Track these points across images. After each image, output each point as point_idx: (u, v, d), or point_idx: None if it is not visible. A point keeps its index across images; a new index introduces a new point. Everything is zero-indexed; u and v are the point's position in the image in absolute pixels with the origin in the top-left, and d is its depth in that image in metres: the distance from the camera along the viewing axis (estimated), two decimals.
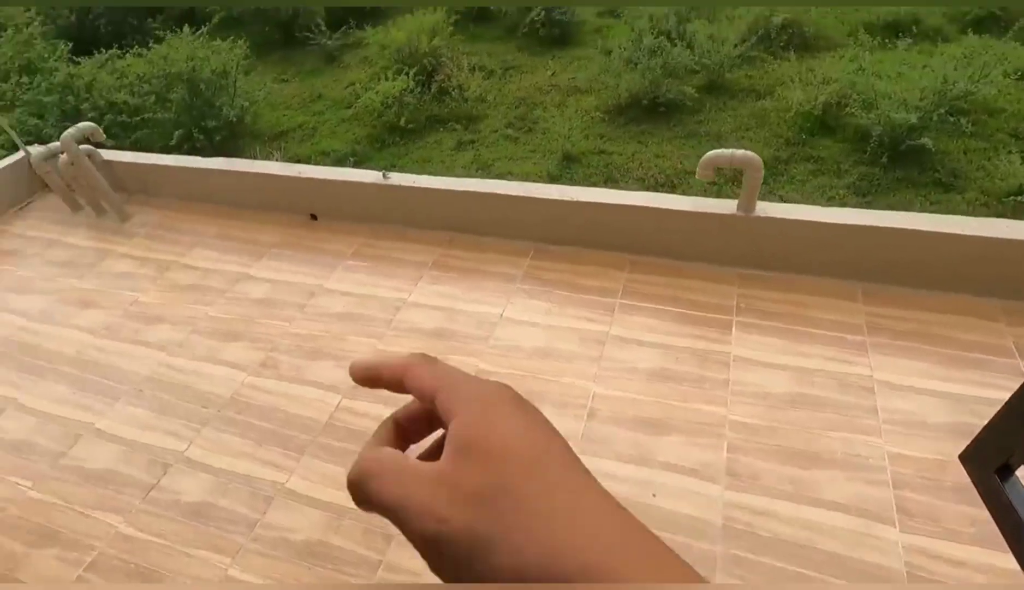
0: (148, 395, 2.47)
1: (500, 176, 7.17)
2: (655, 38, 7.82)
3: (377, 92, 8.06)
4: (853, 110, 6.39)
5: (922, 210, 5.61)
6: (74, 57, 8.46)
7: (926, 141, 5.75)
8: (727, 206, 2.42)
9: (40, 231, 3.45)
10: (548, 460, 0.27)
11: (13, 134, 3.36)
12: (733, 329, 2.27)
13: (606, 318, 2.45)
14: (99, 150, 3.39)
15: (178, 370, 2.55)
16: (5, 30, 9.76)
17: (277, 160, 7.45)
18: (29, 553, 2.01)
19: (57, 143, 3.13)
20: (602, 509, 0.25)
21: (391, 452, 0.31)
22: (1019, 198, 5.16)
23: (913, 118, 5.67)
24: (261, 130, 8.56)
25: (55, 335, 2.80)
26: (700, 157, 2.27)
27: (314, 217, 3.20)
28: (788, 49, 8.27)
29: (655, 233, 2.59)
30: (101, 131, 3.07)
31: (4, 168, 3.49)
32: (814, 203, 5.96)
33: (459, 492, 0.26)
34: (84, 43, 10.01)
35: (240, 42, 8.63)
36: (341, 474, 2.07)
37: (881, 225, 2.26)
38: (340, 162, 7.68)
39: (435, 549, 0.26)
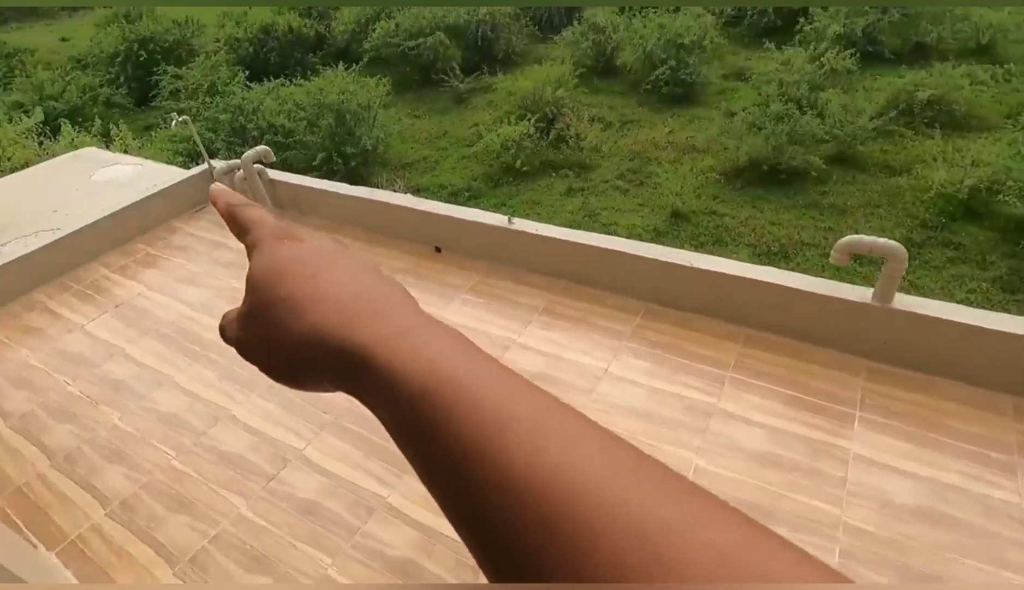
0: (279, 392, 2.74)
1: (607, 225, 7.25)
2: (784, 104, 7.65)
3: (498, 134, 8.52)
4: (1007, 198, 5.83)
5: None
6: (248, 83, 9.77)
7: None
8: (862, 294, 2.31)
9: (209, 233, 4.00)
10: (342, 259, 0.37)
11: (202, 149, 3.95)
12: (855, 424, 2.14)
13: (715, 389, 2.41)
14: (267, 169, 3.89)
15: None
16: (198, 56, 11.52)
17: (401, 188, 8.06)
18: (166, 516, 2.29)
19: (237, 160, 3.64)
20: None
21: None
22: None
23: None
24: (390, 159, 9.32)
25: (211, 326, 3.20)
26: (819, 229, 2.20)
27: (439, 250, 3.45)
28: (933, 126, 7.74)
29: (776, 310, 2.52)
30: (272, 153, 3.53)
31: (191, 176, 4.11)
32: (951, 293, 5.48)
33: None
34: (257, 72, 11.55)
35: (384, 80, 9.54)
36: None
37: None
38: (456, 195, 8.16)
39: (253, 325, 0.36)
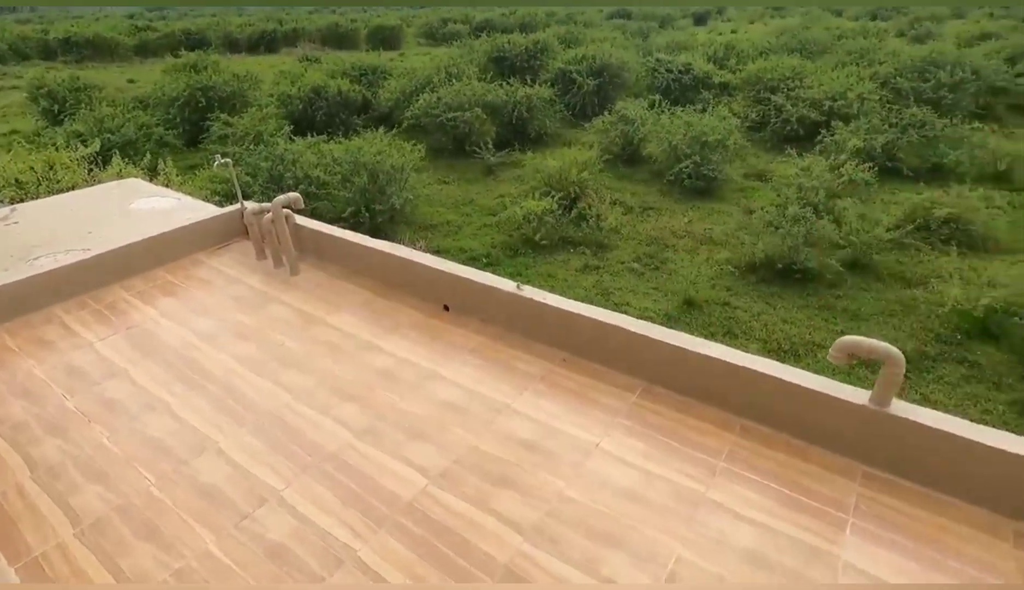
0: (267, 430, 2.74)
1: (619, 305, 7.30)
2: (801, 208, 7.83)
3: (522, 207, 8.81)
4: None
5: None
6: (292, 136, 10.38)
7: None
8: (859, 395, 2.28)
9: (229, 268, 4.14)
10: None
11: (238, 189, 4.17)
12: (847, 531, 2.05)
13: (705, 478, 2.34)
14: (295, 215, 4.07)
15: (297, 414, 2.82)
16: (251, 108, 12.34)
17: (422, 247, 8.28)
18: (134, 544, 2.24)
19: (268, 204, 3.83)
20: None
21: None
22: None
23: None
24: (416, 220, 9.64)
25: (213, 356, 3.25)
26: (831, 331, 2.21)
27: (447, 308, 3.51)
28: (949, 244, 7.82)
29: (774, 403, 2.49)
30: (302, 201, 3.71)
31: (222, 214, 4.32)
32: (965, 411, 5.33)
33: None
34: (303, 127, 12.29)
35: (420, 146, 10.05)
36: (410, 558, 2.11)
37: None
38: (474, 260, 8.35)
39: None
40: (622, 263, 8.39)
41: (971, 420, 2.14)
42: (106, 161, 8.82)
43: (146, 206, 5.06)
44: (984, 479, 2.07)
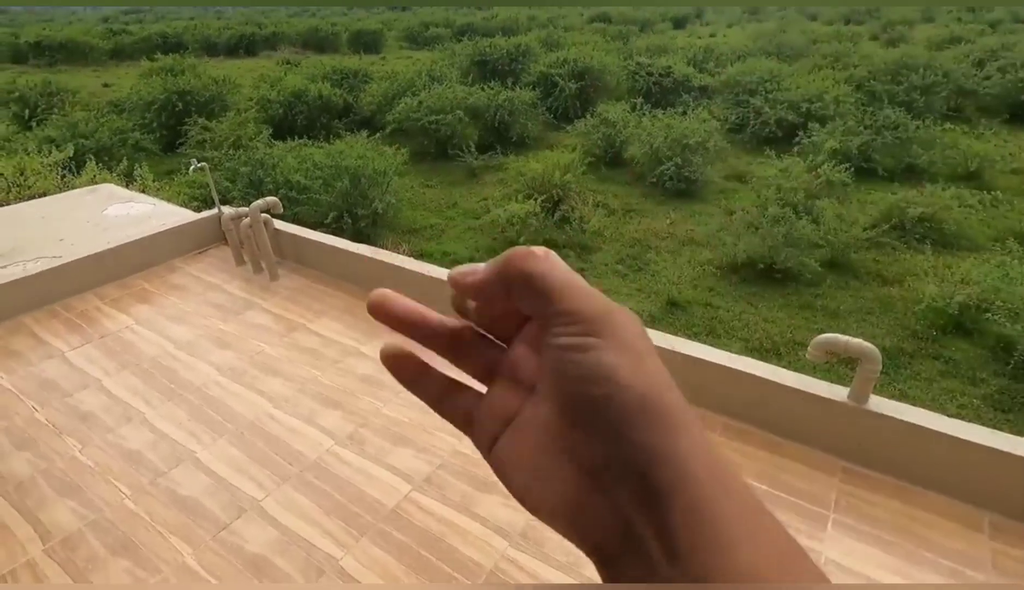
0: (247, 439, 2.69)
1: None
2: (781, 208, 7.93)
3: (505, 209, 8.80)
4: (996, 317, 5.91)
5: None
6: (273, 140, 10.25)
7: None
8: (838, 392, 2.31)
9: (207, 275, 4.07)
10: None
11: (215, 194, 4.11)
12: (828, 526, 2.07)
13: None
14: (273, 219, 4.02)
15: (278, 423, 2.78)
16: (230, 112, 12.18)
17: (405, 251, 8.23)
18: (107, 559, 2.18)
19: (245, 208, 3.77)
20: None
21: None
22: None
23: None
24: (398, 224, 9.58)
25: (190, 365, 3.19)
26: (812, 329, 2.24)
27: None
28: (923, 242, 7.99)
29: (756, 402, 2.51)
30: (280, 205, 3.66)
31: (200, 219, 4.24)
32: (942, 406, 5.44)
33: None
34: (283, 132, 12.15)
35: (402, 150, 10.01)
36: (393, 565, 2.08)
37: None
38: (457, 263, 8.32)
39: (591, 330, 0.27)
40: (606, 265, 8.43)
41: (948, 415, 2.18)
42: (80, 167, 8.63)
43: (121, 212, 4.95)
44: (959, 472, 2.10)
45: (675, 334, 6.50)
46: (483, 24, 33.23)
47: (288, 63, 22.11)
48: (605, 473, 0.26)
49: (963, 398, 5.68)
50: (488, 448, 0.32)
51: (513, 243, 8.70)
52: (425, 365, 0.35)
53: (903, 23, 30.23)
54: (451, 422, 0.34)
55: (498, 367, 0.33)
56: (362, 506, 2.34)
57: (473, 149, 11.64)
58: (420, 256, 8.39)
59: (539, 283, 0.28)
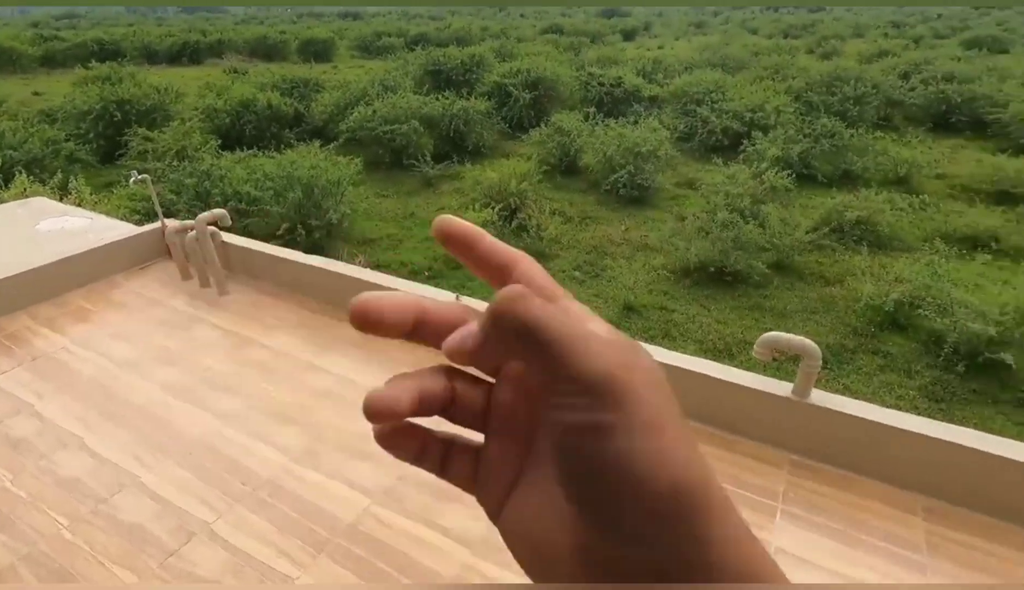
0: (195, 459, 2.59)
1: None
2: (729, 213, 8.23)
3: (463, 218, 8.80)
4: (926, 312, 6.30)
5: (1006, 432, 5.22)
6: (220, 151, 9.93)
7: (1006, 357, 5.52)
8: (783, 388, 2.42)
9: (150, 291, 3.90)
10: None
11: (158, 208, 3.94)
12: (777, 516, 2.16)
13: None
14: (221, 231, 3.89)
15: (229, 441, 2.68)
16: (174, 122, 11.73)
17: (362, 262, 8.10)
18: None
19: (191, 221, 3.64)
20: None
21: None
22: None
23: (992, 330, 5.51)
24: (354, 235, 9.43)
25: (133, 385, 3.04)
26: (761, 329, 2.33)
27: None
28: (860, 244, 8.44)
29: (707, 401, 2.59)
30: (228, 217, 3.55)
31: (142, 233, 4.06)
32: (882, 399, 5.74)
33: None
34: (231, 141, 11.79)
35: (356, 160, 9.87)
36: (353, 582, 2.04)
37: (953, 441, 2.16)
38: (416, 274, 8.26)
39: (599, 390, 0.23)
40: (564, 272, 8.53)
41: (886, 406, 2.31)
42: (8, 180, 8.13)
43: (55, 227, 4.69)
44: (895, 459, 2.23)
45: (632, 338, 6.64)
46: (436, 34, 33.25)
47: (235, 72, 21.52)
48: (622, 570, 0.23)
49: (900, 390, 6.01)
50: (495, 515, 0.29)
51: None
52: (424, 434, 0.30)
53: (836, 37, 32.03)
54: (456, 486, 0.31)
55: (489, 408, 0.30)
56: (319, 523, 2.28)
57: (429, 158, 11.60)
58: (378, 266, 8.28)
59: (537, 337, 0.24)
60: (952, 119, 14.66)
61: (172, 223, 3.90)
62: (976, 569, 1.98)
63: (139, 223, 6.13)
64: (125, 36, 31.33)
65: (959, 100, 14.62)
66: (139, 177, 3.73)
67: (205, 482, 2.46)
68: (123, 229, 4.42)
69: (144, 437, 2.71)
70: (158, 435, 2.72)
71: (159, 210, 4.05)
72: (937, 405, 5.81)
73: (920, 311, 6.44)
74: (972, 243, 8.46)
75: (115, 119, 12.42)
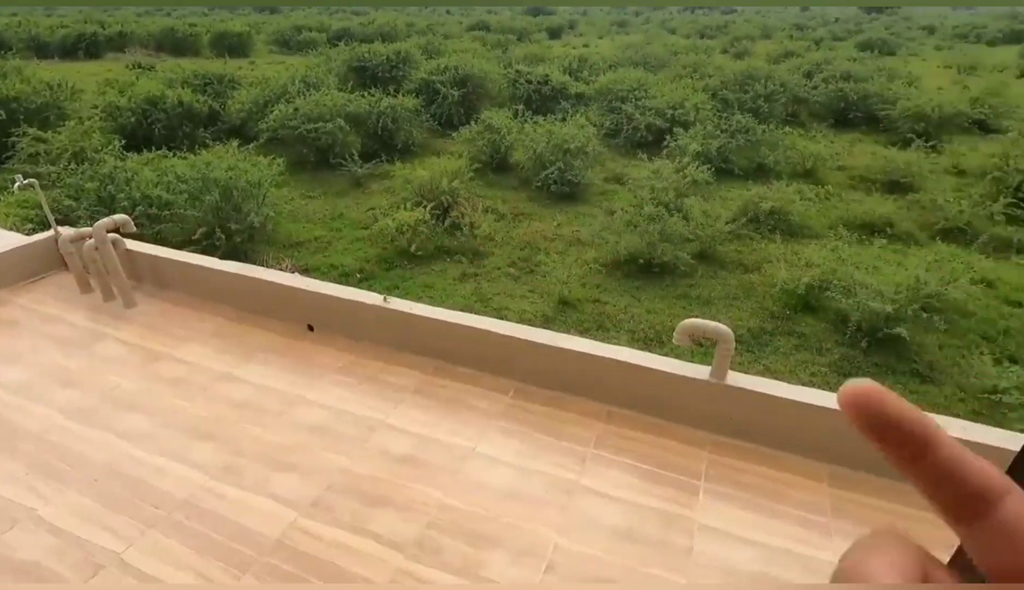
0: (101, 486, 2.39)
1: (498, 310, 7.43)
2: (655, 207, 8.54)
3: (394, 218, 8.63)
4: (833, 294, 6.80)
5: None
6: (125, 152, 9.21)
7: (902, 331, 6.05)
8: (700, 371, 2.54)
9: (44, 306, 3.56)
10: None
11: (49, 215, 3.60)
12: (700, 495, 2.27)
13: (577, 467, 2.45)
14: (124, 239, 3.61)
15: (138, 463, 2.50)
16: (68, 121, 10.77)
17: (288, 266, 7.77)
18: None
19: (88, 229, 3.35)
20: None
21: None
22: (994, 397, 5.31)
23: (888, 308, 6.03)
24: (279, 238, 9.03)
25: (26, 410, 2.77)
26: (688, 316, 2.44)
27: (311, 328, 3.32)
28: (775, 232, 9.00)
29: (634, 388, 2.68)
30: (132, 224, 3.30)
31: (31, 244, 3.70)
32: (798, 377, 6.14)
33: None
34: (137, 141, 10.97)
35: (279, 160, 9.45)
36: None
37: None
38: (347, 276, 8.02)
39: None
40: (498, 269, 8.55)
41: (801, 383, 2.48)
42: None
43: None
44: (803, 431, 2.40)
45: (568, 331, 6.75)
46: (360, 29, 32.37)
47: (140, 66, 20.04)
48: None
49: (813, 367, 6.46)
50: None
51: (404, 252, 8.54)
52: (914, 415, 0.24)
53: (747, 38, 33.95)
54: (943, 516, 0.25)
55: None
56: (243, 541, 2.17)
57: (357, 158, 11.28)
58: (306, 270, 7.98)
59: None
60: (850, 115, 15.92)
61: (67, 231, 3.58)
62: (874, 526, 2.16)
63: (31, 232, 5.60)
64: (9, 26, 28.44)
65: (855, 98, 15.89)
66: (25, 182, 3.39)
67: (112, 509, 2.28)
68: (10, 239, 4.01)
69: (40, 466, 2.47)
70: (56, 463, 2.49)
71: (51, 218, 3.70)
72: (845, 379, 6.29)
73: (828, 293, 6.94)
74: (870, 229, 9.21)
75: (0, 118, 11.26)
